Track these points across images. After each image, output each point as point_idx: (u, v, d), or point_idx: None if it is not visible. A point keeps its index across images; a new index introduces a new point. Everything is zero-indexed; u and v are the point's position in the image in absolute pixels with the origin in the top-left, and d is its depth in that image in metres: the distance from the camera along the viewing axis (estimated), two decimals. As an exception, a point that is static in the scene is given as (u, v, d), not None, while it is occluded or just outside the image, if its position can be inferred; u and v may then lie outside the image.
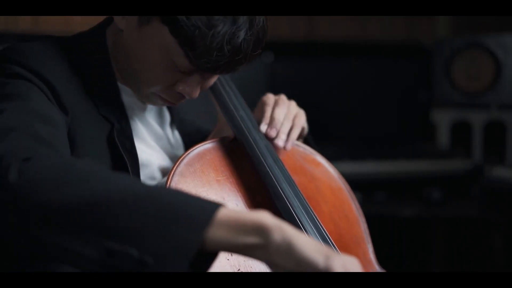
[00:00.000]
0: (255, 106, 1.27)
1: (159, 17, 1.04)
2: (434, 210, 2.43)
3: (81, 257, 0.81)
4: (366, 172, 2.51)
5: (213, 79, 1.14)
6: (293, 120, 1.23)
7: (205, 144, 1.13)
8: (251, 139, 1.14)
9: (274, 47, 2.51)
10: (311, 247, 0.81)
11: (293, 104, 1.27)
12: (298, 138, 1.28)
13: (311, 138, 1.35)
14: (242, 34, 1.03)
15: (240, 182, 1.11)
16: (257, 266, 1.00)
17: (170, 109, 1.28)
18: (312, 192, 1.17)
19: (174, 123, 1.28)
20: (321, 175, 1.23)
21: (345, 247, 1.14)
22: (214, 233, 0.81)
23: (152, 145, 1.21)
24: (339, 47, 2.80)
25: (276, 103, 1.24)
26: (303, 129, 1.28)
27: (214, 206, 0.83)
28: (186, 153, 1.10)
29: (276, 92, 1.28)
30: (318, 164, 1.25)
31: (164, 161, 1.23)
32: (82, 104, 1.10)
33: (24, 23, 2.51)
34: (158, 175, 1.21)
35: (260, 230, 0.81)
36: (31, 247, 0.84)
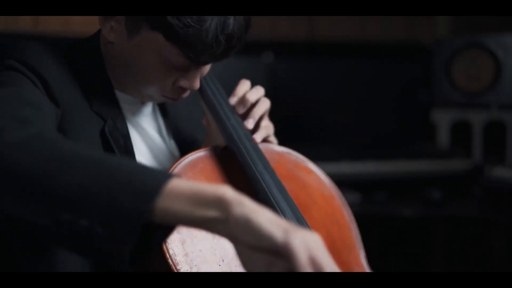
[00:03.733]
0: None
1: (148, 24, 1.06)
2: (434, 210, 2.43)
3: (36, 226, 0.79)
4: (366, 172, 2.51)
5: (209, 66, 1.18)
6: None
7: (197, 152, 1.13)
8: (242, 147, 1.15)
9: (274, 47, 2.51)
10: (269, 221, 0.77)
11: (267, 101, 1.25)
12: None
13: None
14: (231, 20, 1.06)
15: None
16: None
17: (165, 117, 1.28)
18: (304, 199, 1.17)
19: (170, 131, 1.28)
20: (312, 183, 1.23)
21: (337, 253, 1.14)
22: (167, 204, 0.77)
23: (144, 152, 1.21)
24: (339, 47, 2.80)
25: (251, 88, 1.24)
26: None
27: (167, 176, 0.79)
28: (178, 162, 1.10)
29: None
30: (310, 171, 1.25)
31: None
32: (76, 101, 1.12)
33: (24, 23, 2.51)
34: None
35: (220, 204, 0.77)
36: None
